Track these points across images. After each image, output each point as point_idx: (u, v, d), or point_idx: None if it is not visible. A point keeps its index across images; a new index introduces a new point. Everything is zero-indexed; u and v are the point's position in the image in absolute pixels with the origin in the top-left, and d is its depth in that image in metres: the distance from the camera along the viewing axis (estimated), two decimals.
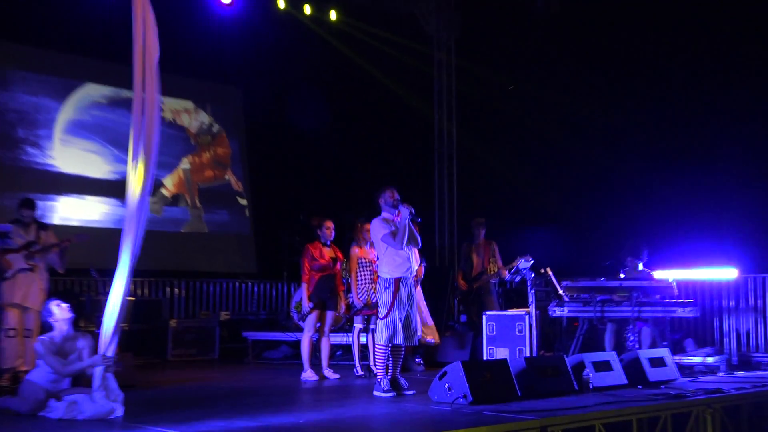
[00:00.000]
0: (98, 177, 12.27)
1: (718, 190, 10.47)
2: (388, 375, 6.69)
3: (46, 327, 5.94)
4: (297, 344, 9.03)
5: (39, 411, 5.51)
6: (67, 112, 12.25)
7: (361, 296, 8.04)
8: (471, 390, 5.80)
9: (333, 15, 13.22)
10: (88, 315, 9.62)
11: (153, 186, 5.68)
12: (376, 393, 6.58)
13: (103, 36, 11.14)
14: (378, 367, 6.71)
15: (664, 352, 7.24)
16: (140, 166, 5.45)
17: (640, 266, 8.63)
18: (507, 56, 12.97)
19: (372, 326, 7.97)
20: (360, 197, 8.90)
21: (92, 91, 12.53)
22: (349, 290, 8.35)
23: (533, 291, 8.42)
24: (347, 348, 9.37)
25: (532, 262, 8.68)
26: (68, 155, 12.11)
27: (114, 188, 11.82)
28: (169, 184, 13.10)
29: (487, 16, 13.15)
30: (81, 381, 5.77)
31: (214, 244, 13.41)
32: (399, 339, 6.58)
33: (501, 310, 9.31)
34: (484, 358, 8.52)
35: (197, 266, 12.91)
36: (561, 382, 6.37)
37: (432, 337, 8.81)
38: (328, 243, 8.11)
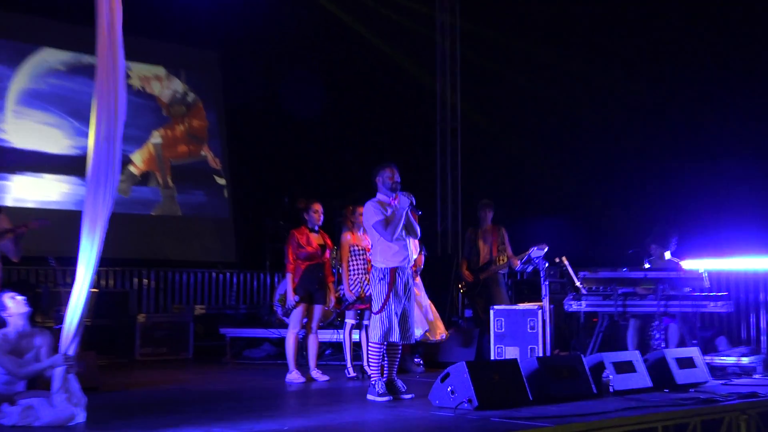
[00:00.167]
0: (56, 153, 12.27)
1: (753, 172, 10.46)
2: (383, 377, 6.70)
3: None
4: (281, 342, 9.06)
5: None
6: (20, 80, 12.22)
7: (353, 288, 8.04)
8: (477, 393, 5.81)
9: None
10: (45, 309, 9.65)
11: (120, 163, 5.66)
12: (370, 397, 6.60)
13: None
14: (372, 367, 6.72)
15: (693, 352, 7.27)
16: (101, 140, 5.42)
17: (668, 255, 8.65)
18: (519, 18, 12.90)
19: (365, 322, 7.98)
20: (352, 177, 8.90)
21: (49, 57, 12.50)
22: (339, 281, 8.35)
23: (547, 283, 8.43)
24: (337, 346, 9.39)
25: (546, 250, 8.67)
26: (22, 128, 12.10)
27: (74, 165, 11.80)
28: (138, 160, 13.08)
29: None
30: (38, 383, 5.76)
31: (189, 229, 13.43)
32: (395, 336, 6.58)
33: (511, 303, 9.33)
34: (492, 357, 8.55)
35: (169, 254, 12.93)
36: (578, 385, 6.39)
37: (434, 336, 8.40)
38: (316, 228, 8.10)
